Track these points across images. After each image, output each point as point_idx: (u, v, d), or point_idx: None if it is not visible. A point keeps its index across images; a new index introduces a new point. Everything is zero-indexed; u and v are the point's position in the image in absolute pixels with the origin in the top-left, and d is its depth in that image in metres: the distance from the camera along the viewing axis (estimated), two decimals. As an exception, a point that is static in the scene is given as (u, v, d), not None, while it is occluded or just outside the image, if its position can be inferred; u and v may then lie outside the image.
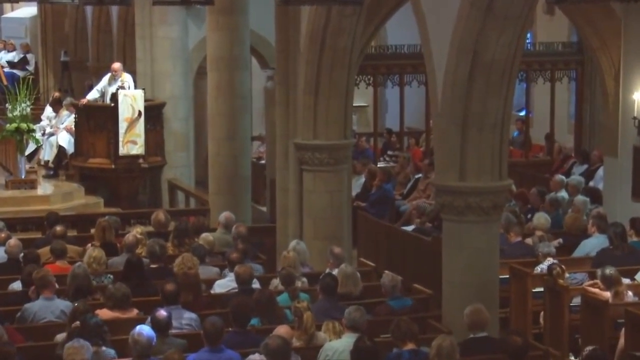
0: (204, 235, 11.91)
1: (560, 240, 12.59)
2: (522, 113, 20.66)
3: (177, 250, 11.68)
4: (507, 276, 11.43)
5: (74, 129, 17.79)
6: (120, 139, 17.03)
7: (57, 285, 9.65)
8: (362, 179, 16.77)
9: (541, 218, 12.75)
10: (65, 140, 17.90)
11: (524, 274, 11.38)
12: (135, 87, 17.41)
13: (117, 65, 17.67)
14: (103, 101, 17.54)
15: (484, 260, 9.81)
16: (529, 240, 12.47)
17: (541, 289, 11.13)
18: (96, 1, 12.63)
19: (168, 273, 10.36)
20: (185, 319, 9.16)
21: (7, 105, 17.35)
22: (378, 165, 17.86)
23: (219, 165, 15.84)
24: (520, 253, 12.07)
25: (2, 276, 10.89)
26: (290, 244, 11.39)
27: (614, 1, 13.63)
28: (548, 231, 12.65)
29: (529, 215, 13.77)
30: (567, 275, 10.96)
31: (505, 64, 9.41)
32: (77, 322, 8.30)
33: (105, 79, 17.55)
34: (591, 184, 16.15)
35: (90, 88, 19.74)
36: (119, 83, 17.19)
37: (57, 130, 18.06)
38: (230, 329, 8.60)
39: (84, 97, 18.01)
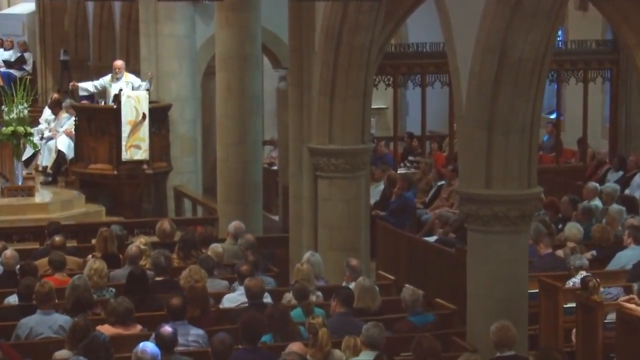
0: (212, 246, 11.93)
1: (594, 252, 12.56)
2: (553, 116, 20.61)
3: (183, 262, 11.70)
4: (537, 290, 11.40)
5: (73, 132, 17.85)
6: (123, 143, 17.07)
7: (56, 299, 9.68)
8: (381, 186, 16.77)
9: (573, 228, 12.72)
10: (64, 144, 17.96)
11: (554, 289, 11.35)
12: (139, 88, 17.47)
13: (119, 62, 17.71)
14: (105, 102, 17.62)
15: (511, 273, 9.79)
16: (560, 252, 12.44)
17: (573, 305, 11.10)
18: (98, -4, 12.69)
19: (174, 286, 10.37)
20: (192, 336, 9.18)
21: (3, 107, 17.41)
22: (398, 172, 17.85)
23: (228, 171, 15.87)
24: (550, 266, 12.05)
25: (-2, 289, 10.94)
26: (304, 256, 11.40)
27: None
28: (580, 242, 12.62)
29: (560, 226, 13.74)
30: (601, 289, 10.93)
31: (534, 64, 9.41)
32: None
33: (107, 78, 17.56)
34: (627, 192, 16.09)
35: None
36: (122, 83, 17.23)
37: (56, 134, 18.12)
38: (240, 346, 8.61)
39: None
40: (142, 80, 17.49)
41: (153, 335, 8.67)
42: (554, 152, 19.51)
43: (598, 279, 10.90)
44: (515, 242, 9.82)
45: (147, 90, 17.18)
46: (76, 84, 17.72)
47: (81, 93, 17.86)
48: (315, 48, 12.84)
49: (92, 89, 17.68)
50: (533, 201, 9.99)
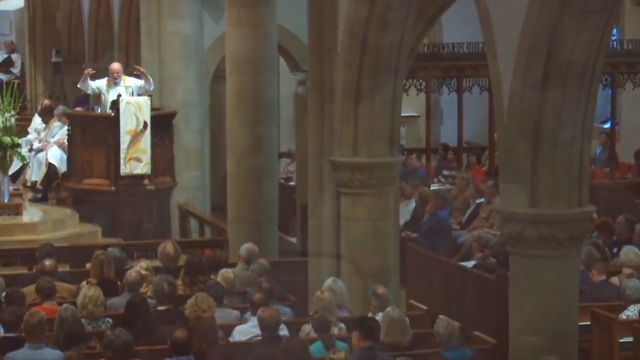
0: (222, 271, 11.96)
1: (653, 279, 12.52)
2: (607, 125, 20.57)
3: (189, 290, 11.74)
4: (589, 323, 11.37)
5: (66, 143, 17.93)
6: (122, 155, 17.14)
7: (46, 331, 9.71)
8: (412, 205, 16.78)
9: (630, 253, 12.68)
10: (56, 156, 18.04)
11: (608, 321, 11.31)
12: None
13: (116, 65, 17.78)
14: (101, 110, 17.68)
15: (559, 303, 9.77)
16: (614, 280, 12.41)
17: (630, 339, 11.06)
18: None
19: (178, 317, 10.40)
20: (198, 373, 9.21)
21: (-13, 115, 17.51)
22: (431, 188, 17.85)
23: (239, 187, 15.90)
24: (604, 295, 12.01)
25: (-19, 319, 10.97)
26: (325, 283, 11.41)
27: None
28: (638, 268, 12.58)
29: (615, 249, 13.71)
30: (661, 322, 10.89)
31: (585, 66, 9.40)
32: None
33: (103, 82, 17.61)
34: (691, 211, 16.05)
35: (87, 96, 19.88)
36: (121, 88, 17.28)
37: (46, 145, 18.20)
38: (252, 384, 8.63)
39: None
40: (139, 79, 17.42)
41: (155, 371, 8.70)
42: (608, 166, 19.47)
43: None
44: (564, 268, 9.79)
45: (149, 94, 17.22)
46: (91, 70, 17.70)
47: (86, 89, 17.79)
48: (338, 48, 12.86)
49: (89, 92, 17.76)
50: (584, 222, 9.96)
